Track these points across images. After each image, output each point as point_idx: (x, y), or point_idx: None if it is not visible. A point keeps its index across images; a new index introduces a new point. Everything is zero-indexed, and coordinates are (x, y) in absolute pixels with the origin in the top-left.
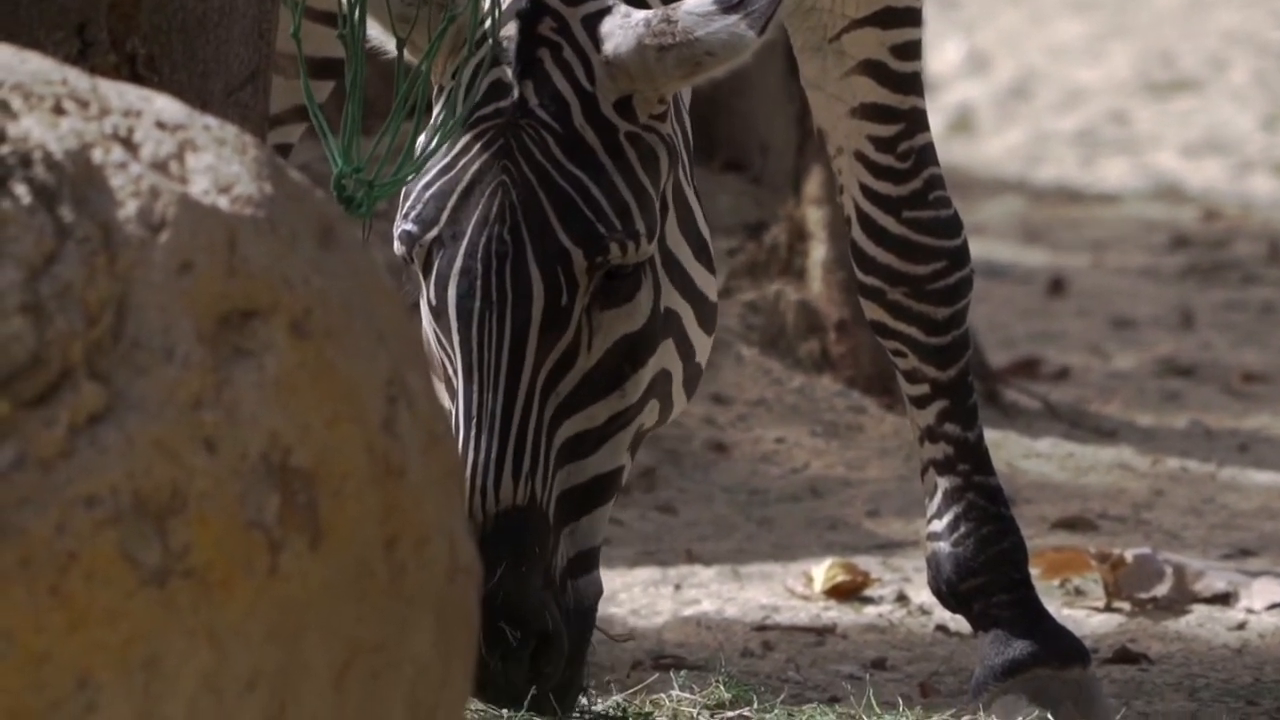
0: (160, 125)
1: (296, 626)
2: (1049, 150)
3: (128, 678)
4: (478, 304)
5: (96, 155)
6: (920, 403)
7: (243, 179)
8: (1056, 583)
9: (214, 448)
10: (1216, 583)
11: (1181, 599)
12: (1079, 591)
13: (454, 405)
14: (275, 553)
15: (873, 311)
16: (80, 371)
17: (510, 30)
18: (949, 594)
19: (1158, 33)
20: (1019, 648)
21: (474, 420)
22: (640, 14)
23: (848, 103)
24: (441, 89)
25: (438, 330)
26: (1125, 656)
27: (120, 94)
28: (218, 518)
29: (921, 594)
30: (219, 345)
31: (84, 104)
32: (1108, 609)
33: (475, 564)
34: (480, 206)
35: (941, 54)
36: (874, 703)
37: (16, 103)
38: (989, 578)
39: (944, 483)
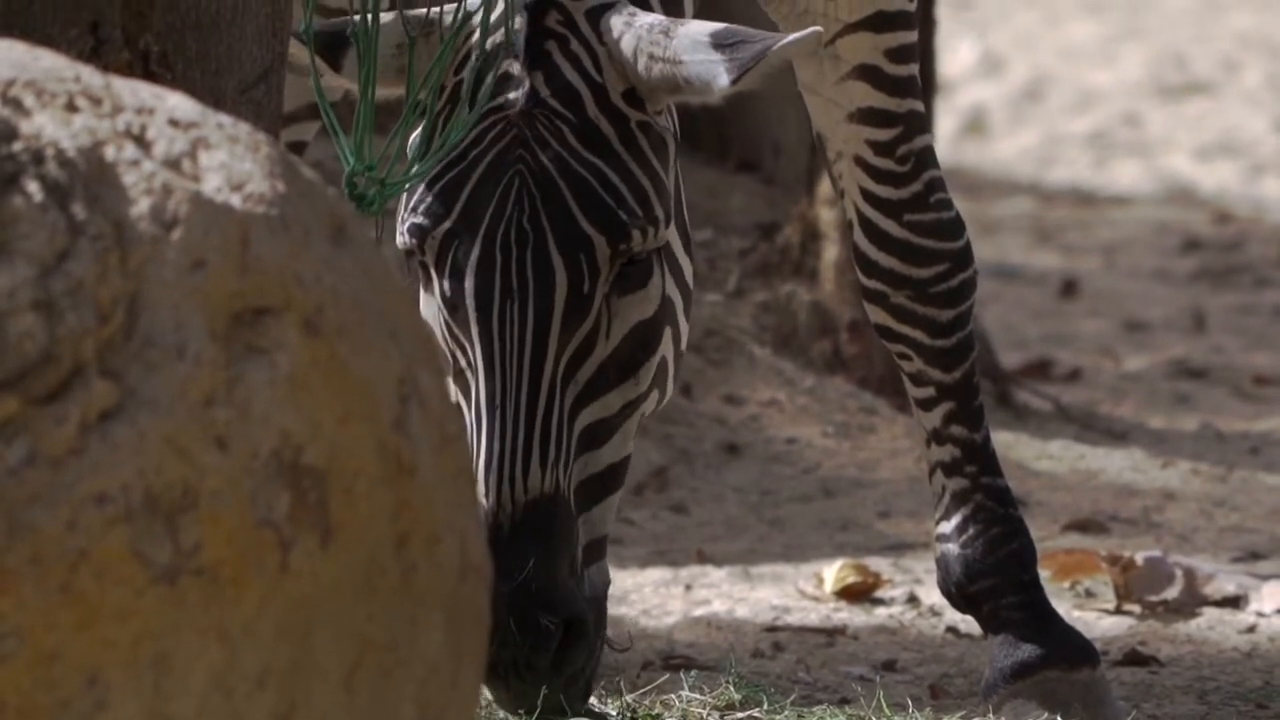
0: (173, 123)
1: (307, 625)
2: (1061, 152)
3: (138, 676)
4: (498, 293)
5: (109, 153)
6: (926, 405)
7: (255, 177)
8: (1067, 585)
9: (225, 446)
10: (1227, 586)
11: (1192, 602)
12: (1089, 594)
13: (470, 396)
14: (286, 551)
15: (877, 315)
16: (91, 369)
17: (516, 24)
18: (958, 595)
19: (1171, 35)
20: (1028, 650)
21: (498, 409)
22: (647, 18)
23: (845, 108)
24: (443, 89)
25: (450, 322)
26: (1135, 659)
27: (133, 91)
28: (229, 516)
29: (932, 595)
30: (231, 343)
31: (97, 101)
32: (1118, 611)
33: (487, 563)
34: (497, 196)
35: (955, 55)
36: (884, 704)
37: (29, 100)
38: (998, 579)
39: (952, 484)
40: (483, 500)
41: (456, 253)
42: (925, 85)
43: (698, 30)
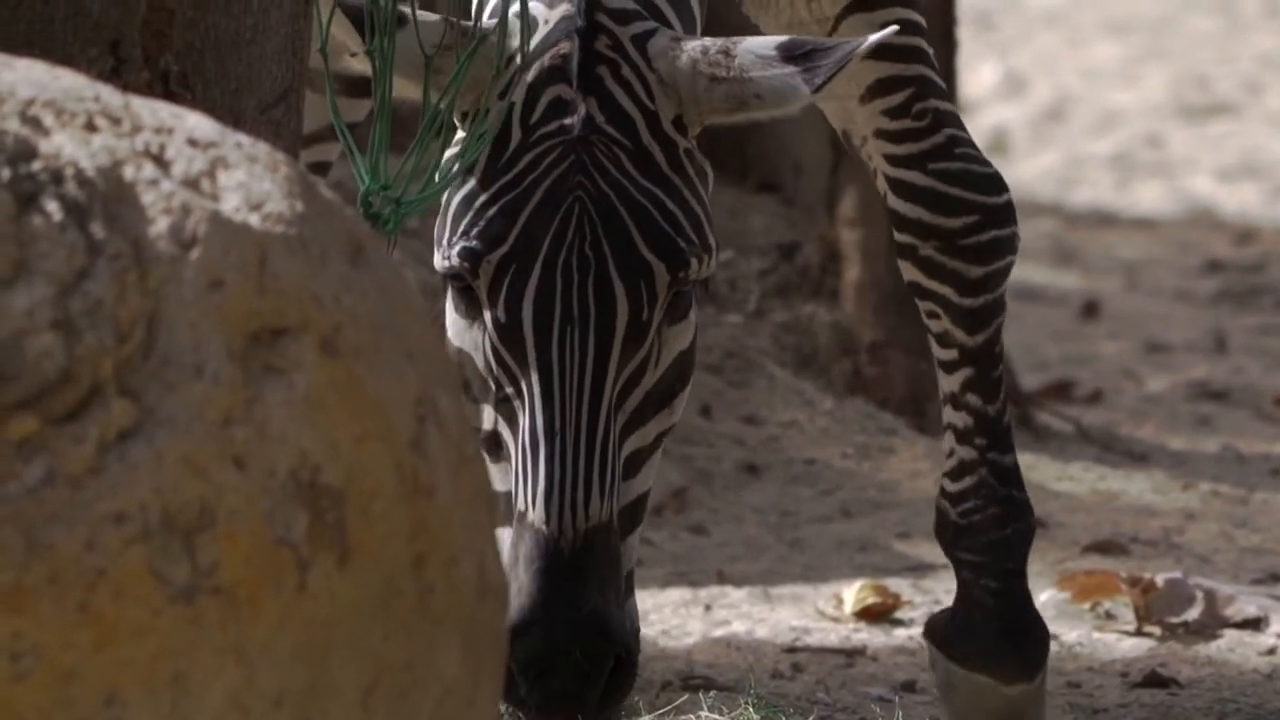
0: (192, 142)
1: (324, 645)
2: (1084, 173)
3: (155, 695)
4: (558, 320)
5: (128, 172)
6: (948, 368)
7: (274, 196)
8: (1087, 606)
9: (243, 465)
10: (1247, 608)
11: (1212, 624)
12: (1110, 615)
13: (515, 423)
14: (303, 571)
15: (908, 271)
16: (110, 388)
17: (566, 48)
18: (947, 548)
19: (1193, 56)
20: (976, 641)
21: (557, 437)
22: (696, 41)
23: (855, 93)
24: (465, 115)
25: (500, 348)
26: (1155, 681)
27: (152, 111)
28: (246, 535)
29: None
30: (249, 363)
31: (116, 121)
32: (1138, 633)
33: (504, 585)
34: (557, 222)
35: (977, 76)
36: None
37: (48, 119)
38: (983, 559)
39: (961, 451)
40: (541, 527)
41: (513, 279)
42: None
43: (760, 46)
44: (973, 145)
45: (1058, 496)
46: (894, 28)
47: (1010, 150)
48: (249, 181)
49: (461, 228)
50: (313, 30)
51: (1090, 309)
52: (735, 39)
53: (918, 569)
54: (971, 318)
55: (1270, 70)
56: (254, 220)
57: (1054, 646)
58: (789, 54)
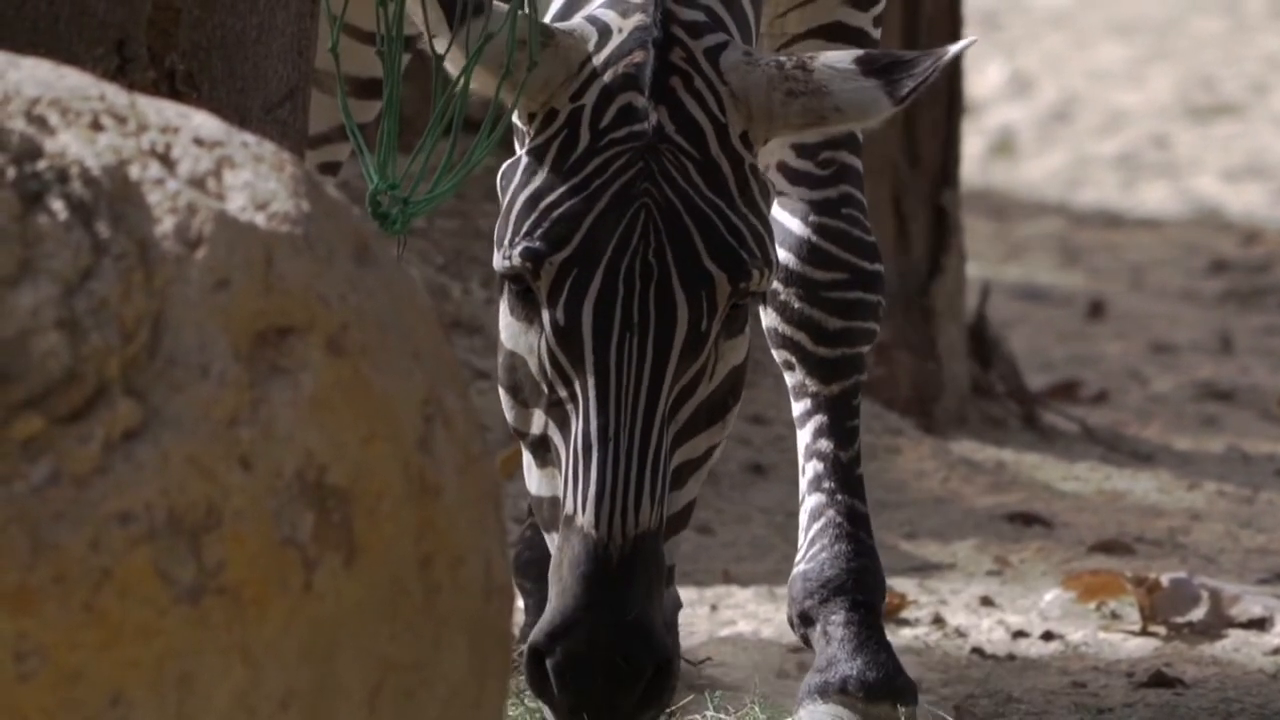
0: (198, 142)
1: (330, 645)
2: (1090, 173)
3: (161, 695)
4: (618, 325)
5: (134, 171)
6: (802, 420)
7: (280, 196)
8: (1092, 606)
9: (249, 465)
10: (1252, 607)
11: (1217, 623)
12: (1115, 615)
13: (568, 427)
14: (309, 571)
15: (766, 316)
16: (116, 388)
17: (640, 57)
18: (796, 617)
19: (1199, 57)
20: (837, 671)
21: (611, 442)
22: (770, 56)
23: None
24: (532, 116)
25: (556, 351)
26: (1160, 680)
27: (158, 110)
28: (252, 535)
29: (958, 617)
30: (255, 362)
31: (121, 120)
32: (1143, 633)
33: (510, 585)
34: (622, 228)
35: (983, 76)
36: None
37: (54, 118)
38: (833, 594)
39: (810, 500)
40: (590, 531)
41: (575, 282)
42: (952, 105)
43: (837, 60)
44: (862, 207)
45: (1063, 496)
46: (973, 38)
47: (1016, 150)
48: (255, 181)
49: (525, 228)
50: (320, 30)
51: (1096, 309)
52: (812, 55)
53: (923, 569)
54: (825, 367)
55: (1276, 71)
56: (260, 220)
57: (1059, 646)
58: (869, 67)
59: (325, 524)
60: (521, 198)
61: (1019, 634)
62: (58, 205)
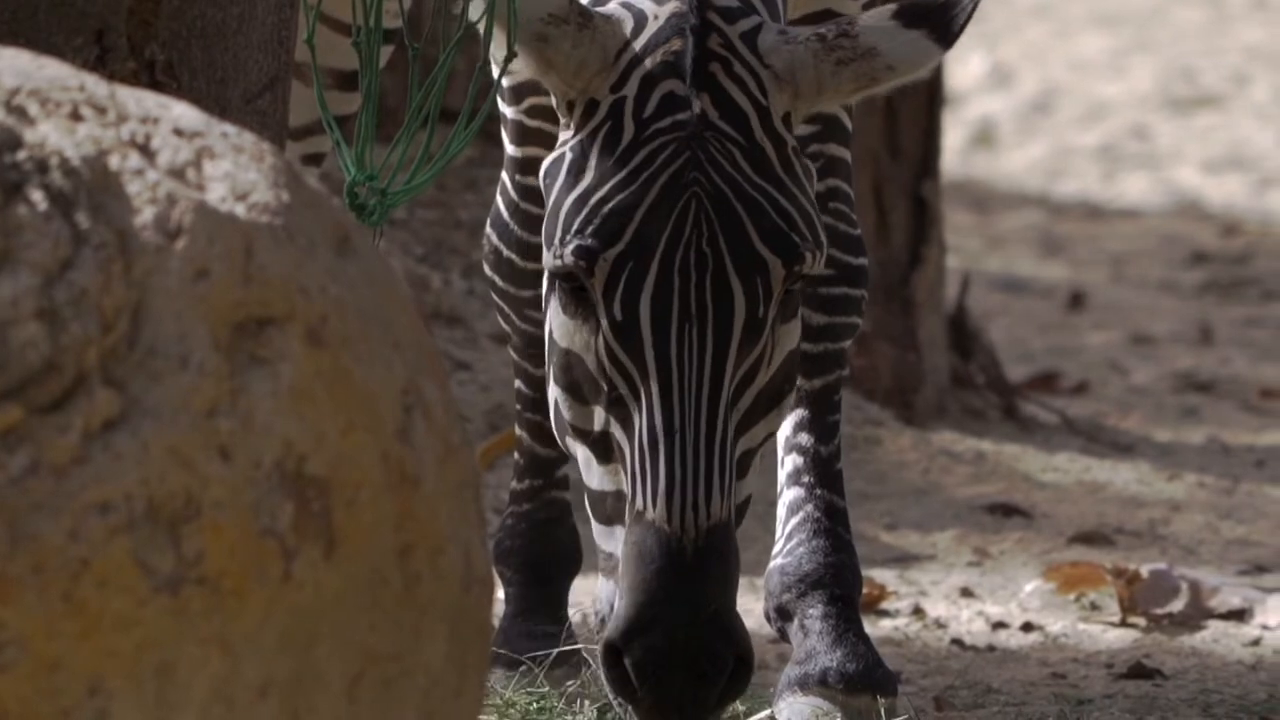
0: (178, 132)
1: (309, 635)
2: (1070, 165)
3: (140, 685)
4: (676, 317)
5: (113, 162)
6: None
7: (260, 187)
8: (1072, 597)
9: (228, 455)
10: (1232, 599)
11: (1197, 615)
12: (1094, 606)
13: (630, 424)
14: (289, 561)
15: None
16: (95, 378)
17: (678, 44)
18: (774, 612)
19: (1180, 48)
20: (817, 663)
21: (677, 434)
22: (806, 30)
23: None
24: (571, 104)
25: (615, 347)
26: (1140, 672)
27: (138, 101)
28: (231, 526)
29: (938, 608)
30: (234, 353)
31: (101, 110)
32: (1123, 624)
33: (490, 575)
34: (674, 219)
35: (964, 67)
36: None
37: (33, 109)
38: (810, 588)
39: (788, 495)
40: (662, 526)
41: (630, 277)
42: (933, 96)
43: (877, 19)
44: (849, 202)
45: (1043, 487)
46: None
47: (997, 141)
48: (235, 171)
49: (575, 225)
50: (299, 20)
51: (1076, 300)
52: (848, 20)
53: (904, 560)
54: (807, 362)
55: (1257, 62)
56: (240, 210)
57: (1039, 637)
58: (910, 19)
59: (304, 514)
60: (569, 194)
61: (999, 625)
62: (37, 196)
